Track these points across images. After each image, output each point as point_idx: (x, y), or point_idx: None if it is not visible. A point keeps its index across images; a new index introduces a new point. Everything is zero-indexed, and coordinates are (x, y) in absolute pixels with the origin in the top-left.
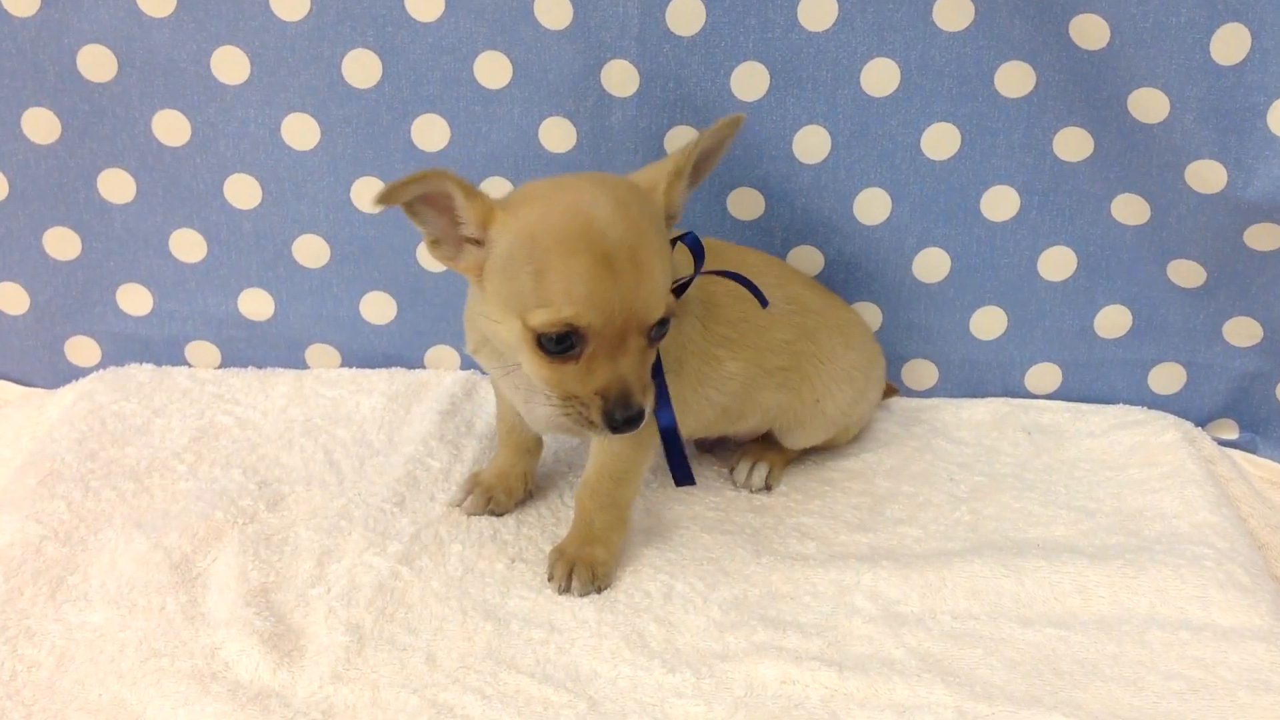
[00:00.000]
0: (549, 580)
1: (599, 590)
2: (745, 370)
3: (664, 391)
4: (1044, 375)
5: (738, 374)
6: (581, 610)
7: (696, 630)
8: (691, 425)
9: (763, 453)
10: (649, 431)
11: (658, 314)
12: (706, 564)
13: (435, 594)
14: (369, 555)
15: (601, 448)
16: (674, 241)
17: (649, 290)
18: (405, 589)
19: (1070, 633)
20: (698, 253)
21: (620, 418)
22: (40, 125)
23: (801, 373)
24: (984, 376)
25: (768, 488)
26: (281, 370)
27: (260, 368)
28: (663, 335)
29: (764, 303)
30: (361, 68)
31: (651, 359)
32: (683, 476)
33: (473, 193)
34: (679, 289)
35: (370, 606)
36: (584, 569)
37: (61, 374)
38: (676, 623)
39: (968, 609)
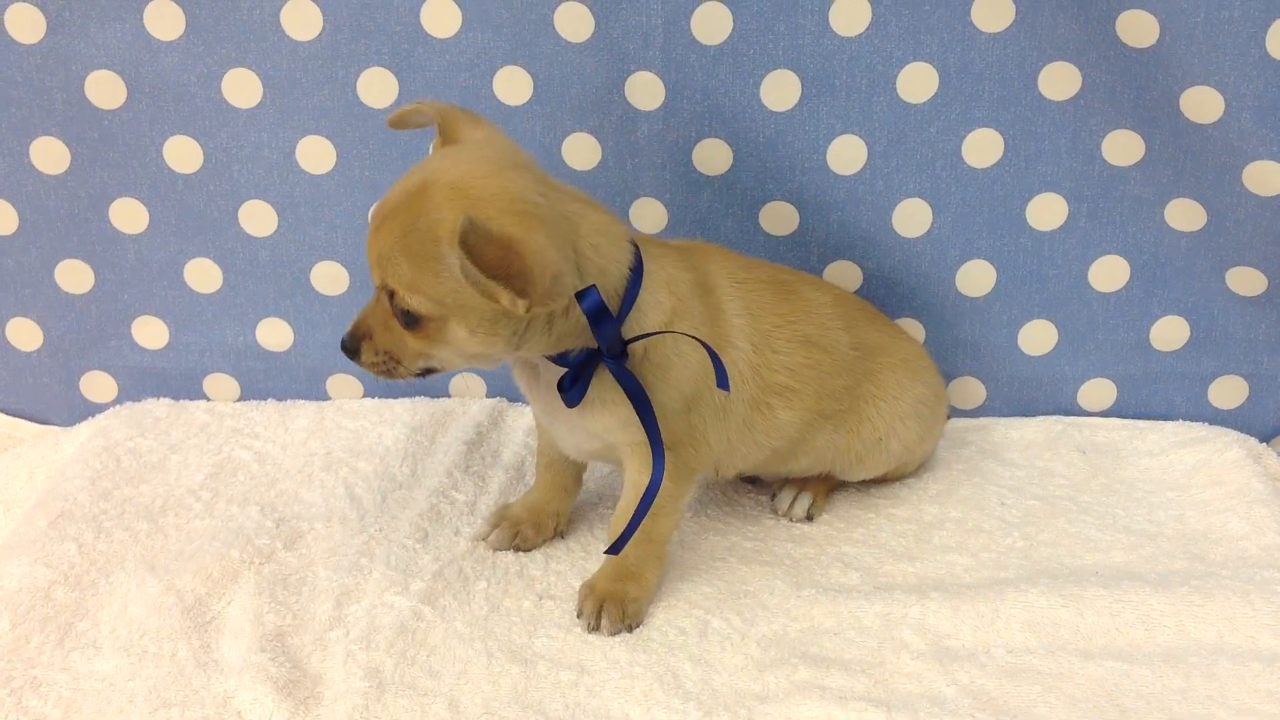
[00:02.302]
0: (578, 617)
1: (630, 629)
2: (801, 418)
3: (657, 440)
4: (1098, 391)
5: (792, 422)
6: (612, 650)
7: (734, 669)
8: (738, 466)
9: (805, 481)
10: (689, 465)
11: (376, 278)
12: (744, 598)
13: (459, 635)
14: (390, 595)
15: (636, 481)
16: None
17: (375, 253)
18: (427, 630)
19: (1134, 666)
20: (594, 318)
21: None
22: (49, 155)
23: (861, 414)
24: (1034, 394)
25: (809, 518)
26: (302, 402)
27: (280, 400)
28: (412, 324)
29: (724, 386)
30: (377, 87)
31: (416, 342)
32: (617, 546)
33: (445, 129)
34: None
35: (391, 649)
36: (614, 606)
37: (77, 410)
38: (713, 661)
39: (1023, 642)
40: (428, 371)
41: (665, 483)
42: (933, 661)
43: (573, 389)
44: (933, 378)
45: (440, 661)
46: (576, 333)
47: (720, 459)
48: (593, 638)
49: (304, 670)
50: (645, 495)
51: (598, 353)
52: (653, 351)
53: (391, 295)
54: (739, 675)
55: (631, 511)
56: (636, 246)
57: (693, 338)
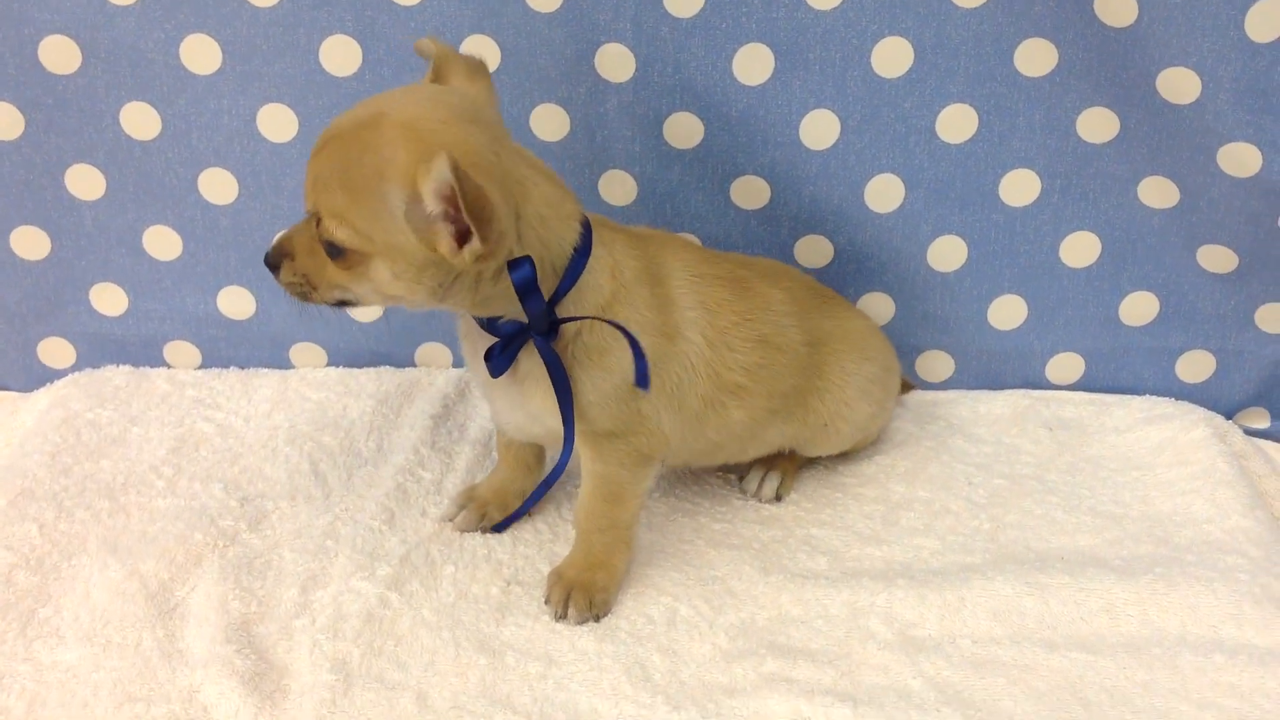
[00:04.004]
0: (545, 603)
1: (597, 619)
2: (752, 417)
3: (569, 424)
4: (1066, 365)
5: (744, 420)
6: (580, 639)
7: (702, 660)
8: (685, 458)
9: (774, 460)
10: (643, 452)
11: (309, 202)
12: (712, 584)
13: (426, 623)
14: (356, 580)
15: (591, 469)
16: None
17: (311, 176)
18: (395, 618)
19: (1098, 657)
20: (522, 291)
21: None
22: (2, 120)
23: (807, 406)
24: (1002, 367)
25: (778, 498)
26: (265, 370)
27: (243, 368)
28: (336, 254)
29: (643, 385)
30: (341, 55)
31: (336, 273)
32: (504, 525)
33: (438, 71)
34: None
35: (358, 639)
36: (581, 595)
37: (35, 376)
38: (681, 652)
39: (989, 632)
40: (343, 303)
41: (615, 471)
42: (899, 652)
43: (499, 358)
44: (881, 353)
45: (408, 652)
46: (504, 298)
47: (672, 449)
48: (560, 626)
49: (270, 662)
50: (549, 476)
51: (529, 326)
52: (588, 334)
53: (320, 221)
54: (707, 667)
55: (593, 500)
56: (589, 228)
57: (616, 326)
